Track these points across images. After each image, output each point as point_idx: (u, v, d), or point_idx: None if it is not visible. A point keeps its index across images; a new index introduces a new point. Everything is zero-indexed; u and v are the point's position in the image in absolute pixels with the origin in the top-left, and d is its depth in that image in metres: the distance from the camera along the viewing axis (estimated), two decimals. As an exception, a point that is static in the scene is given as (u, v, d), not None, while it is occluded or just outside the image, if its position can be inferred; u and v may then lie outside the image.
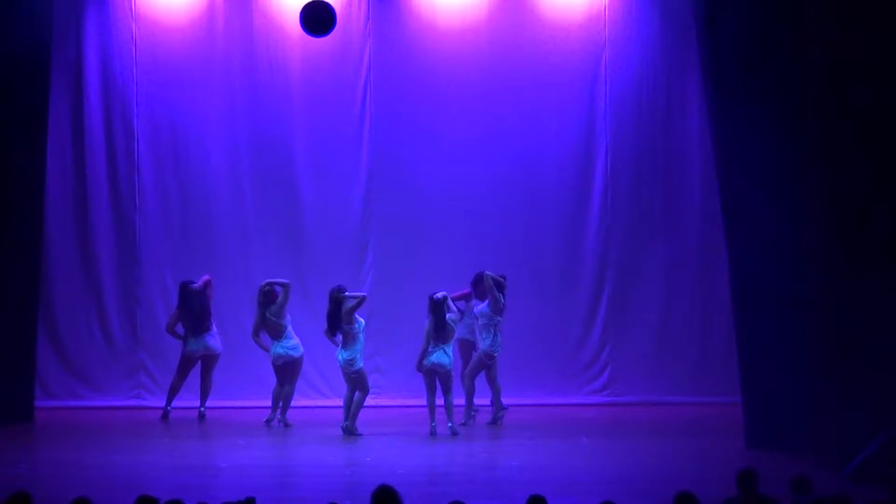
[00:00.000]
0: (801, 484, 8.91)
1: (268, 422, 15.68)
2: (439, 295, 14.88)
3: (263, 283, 15.91)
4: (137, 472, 12.56)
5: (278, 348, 15.68)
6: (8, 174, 15.71)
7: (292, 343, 15.70)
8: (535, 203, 17.59)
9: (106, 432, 15.39)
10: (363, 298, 15.05)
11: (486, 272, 15.60)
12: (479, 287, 15.84)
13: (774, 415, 13.46)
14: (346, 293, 14.99)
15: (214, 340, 16.43)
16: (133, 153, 17.47)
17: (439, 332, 14.80)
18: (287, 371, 15.70)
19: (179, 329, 16.41)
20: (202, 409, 16.39)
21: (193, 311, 16.28)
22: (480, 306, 15.59)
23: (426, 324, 14.85)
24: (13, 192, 15.79)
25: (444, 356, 14.83)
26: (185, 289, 16.35)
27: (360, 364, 14.90)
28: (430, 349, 14.82)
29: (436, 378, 14.86)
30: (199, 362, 16.44)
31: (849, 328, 12.39)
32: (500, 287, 15.53)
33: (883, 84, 12.31)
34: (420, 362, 14.85)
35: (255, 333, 15.85)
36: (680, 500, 8.05)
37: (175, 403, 16.38)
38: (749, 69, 13.39)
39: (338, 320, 14.86)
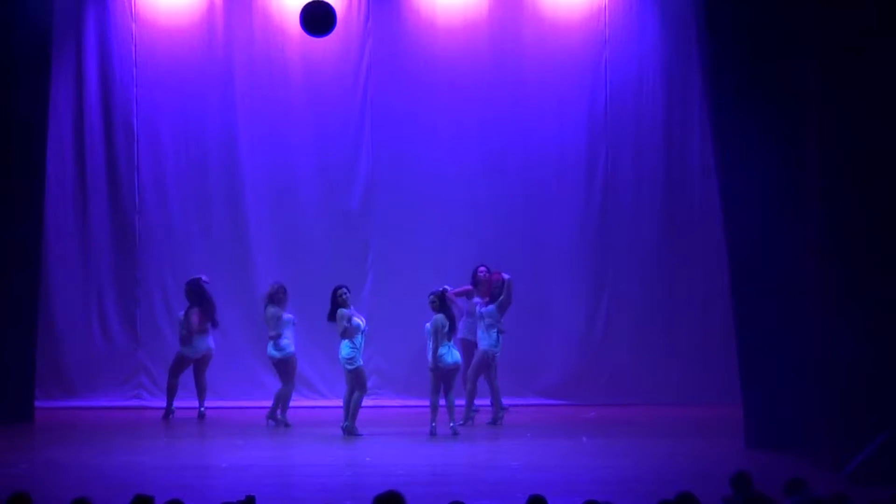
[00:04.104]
0: (796, 485, 8.92)
1: (268, 418, 15.66)
2: (445, 288, 14.88)
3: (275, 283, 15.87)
4: (137, 472, 12.56)
5: (270, 348, 15.66)
6: (8, 174, 15.71)
7: (283, 342, 15.64)
8: (535, 203, 17.59)
9: (105, 432, 15.39)
10: (357, 329, 14.89)
11: (506, 276, 15.60)
12: (481, 286, 15.88)
13: (774, 415, 13.47)
14: (346, 294, 14.89)
15: (211, 339, 16.46)
16: (133, 153, 17.47)
17: (452, 327, 14.77)
18: (280, 370, 15.68)
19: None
20: (202, 409, 16.39)
21: (211, 302, 16.29)
22: (488, 307, 15.57)
23: (434, 322, 14.73)
24: (13, 193, 15.78)
25: (455, 354, 14.88)
26: (199, 284, 16.31)
27: (359, 363, 14.89)
28: (439, 348, 14.75)
29: (442, 378, 14.82)
30: (195, 363, 16.41)
31: (849, 328, 12.38)
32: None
33: (882, 78, 12.32)
34: (436, 364, 14.77)
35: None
36: (680, 500, 8.05)
37: (174, 404, 16.38)
38: (749, 68, 13.41)
39: (332, 315, 14.86)
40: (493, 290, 15.74)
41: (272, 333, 15.60)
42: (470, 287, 16.10)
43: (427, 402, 15.00)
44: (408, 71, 17.59)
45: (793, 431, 13.17)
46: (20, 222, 15.88)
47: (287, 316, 15.67)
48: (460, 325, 15.59)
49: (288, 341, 15.64)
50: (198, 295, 16.33)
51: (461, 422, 15.31)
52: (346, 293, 14.90)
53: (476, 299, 15.98)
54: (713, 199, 16.12)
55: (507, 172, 17.58)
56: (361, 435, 14.82)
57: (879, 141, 12.36)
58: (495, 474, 12.76)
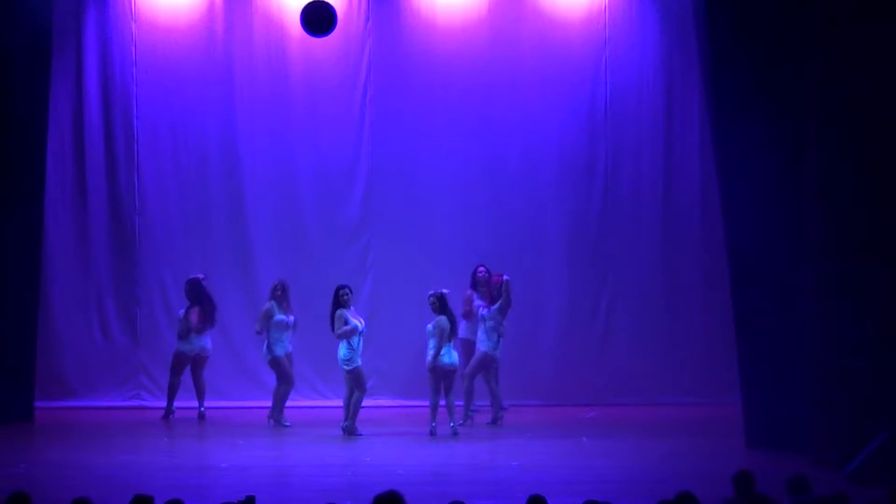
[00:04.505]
0: (799, 483, 8.91)
1: (269, 418, 15.67)
2: (444, 291, 14.87)
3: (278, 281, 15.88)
4: (137, 473, 12.56)
5: (263, 348, 15.67)
6: (8, 174, 15.71)
7: (272, 343, 15.59)
8: (535, 203, 17.58)
9: (105, 433, 15.40)
10: (353, 330, 14.88)
11: (506, 277, 15.60)
12: (481, 286, 15.88)
13: (774, 415, 13.47)
14: (348, 295, 14.89)
15: (208, 339, 16.46)
16: (133, 153, 17.46)
17: (454, 329, 14.78)
18: (273, 370, 15.68)
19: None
20: (202, 409, 16.40)
21: (212, 302, 16.32)
22: (490, 309, 15.55)
23: (437, 323, 14.72)
24: (13, 192, 15.78)
25: (454, 355, 14.86)
26: (199, 283, 16.33)
27: (357, 363, 14.88)
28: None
29: (441, 378, 14.82)
30: (190, 362, 16.41)
31: (848, 328, 12.39)
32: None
33: (881, 79, 12.33)
34: (434, 364, 14.78)
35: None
36: (680, 500, 8.04)
37: (174, 404, 16.38)
38: (749, 69, 13.41)
39: (332, 315, 14.85)
40: (492, 291, 15.73)
41: (256, 327, 15.61)
42: (470, 291, 16.10)
43: (427, 403, 15.01)
44: (408, 71, 17.59)
45: (793, 431, 13.17)
46: (20, 222, 15.87)
47: (281, 317, 15.61)
48: (461, 325, 15.62)
49: (279, 342, 15.59)
50: (198, 294, 16.34)
51: (460, 422, 15.31)
52: (348, 294, 14.90)
53: (476, 302, 15.96)
54: (713, 199, 16.14)
55: (508, 172, 17.58)
56: (361, 435, 14.82)
57: (879, 142, 12.37)
58: (495, 474, 12.78)
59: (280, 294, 15.69)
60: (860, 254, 12.40)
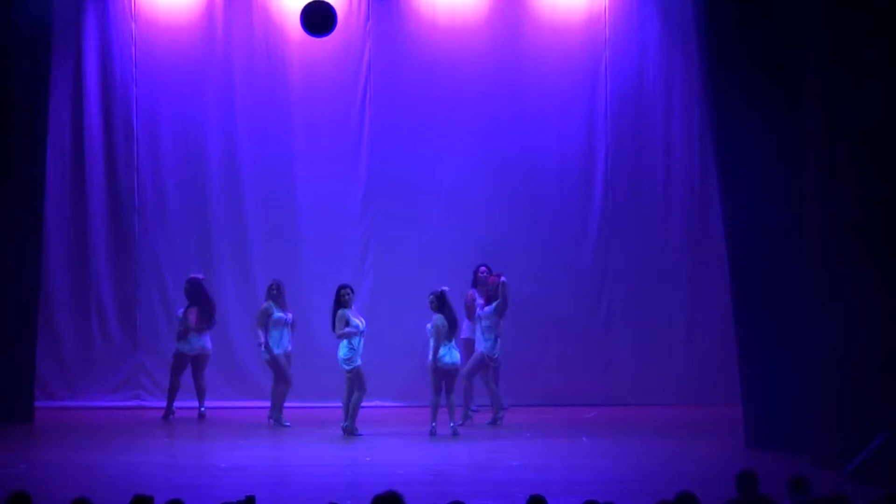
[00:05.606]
0: (799, 484, 8.91)
1: (269, 418, 15.68)
2: (444, 289, 14.87)
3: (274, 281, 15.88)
4: (137, 473, 12.56)
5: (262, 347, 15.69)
6: (8, 174, 15.73)
7: (271, 343, 15.60)
8: (535, 203, 17.58)
9: (105, 433, 15.39)
10: (354, 332, 14.88)
11: (503, 278, 15.58)
12: (481, 286, 15.88)
13: (774, 415, 13.47)
14: (349, 295, 14.90)
15: (208, 339, 16.47)
16: (132, 153, 17.46)
17: (452, 327, 14.78)
18: (272, 369, 15.68)
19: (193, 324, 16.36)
20: (202, 409, 16.40)
21: (210, 302, 16.32)
22: (486, 309, 15.55)
23: (434, 322, 14.75)
24: (13, 192, 15.79)
25: (455, 354, 14.86)
26: (198, 283, 16.34)
27: (357, 363, 14.88)
28: (440, 348, 14.75)
29: (443, 378, 14.83)
30: (191, 362, 16.42)
31: (848, 328, 12.39)
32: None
33: (881, 79, 12.33)
34: (435, 363, 14.78)
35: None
36: (680, 500, 8.04)
37: (174, 404, 16.38)
38: (749, 68, 13.43)
39: (333, 315, 14.85)
40: (489, 292, 15.71)
41: (259, 331, 15.64)
42: (471, 291, 16.09)
43: (427, 402, 15.01)
44: (408, 72, 17.58)
45: (793, 431, 13.18)
46: (20, 222, 15.89)
47: (279, 315, 15.62)
48: (465, 325, 15.61)
49: (277, 341, 15.58)
50: (197, 294, 16.35)
51: (460, 422, 15.30)
52: (349, 293, 14.90)
53: (478, 301, 15.94)
54: (713, 199, 16.15)
55: (508, 172, 17.57)
56: (361, 435, 14.83)
57: (880, 141, 12.37)
58: (495, 474, 12.77)
59: (275, 293, 15.70)
60: (861, 253, 12.39)
